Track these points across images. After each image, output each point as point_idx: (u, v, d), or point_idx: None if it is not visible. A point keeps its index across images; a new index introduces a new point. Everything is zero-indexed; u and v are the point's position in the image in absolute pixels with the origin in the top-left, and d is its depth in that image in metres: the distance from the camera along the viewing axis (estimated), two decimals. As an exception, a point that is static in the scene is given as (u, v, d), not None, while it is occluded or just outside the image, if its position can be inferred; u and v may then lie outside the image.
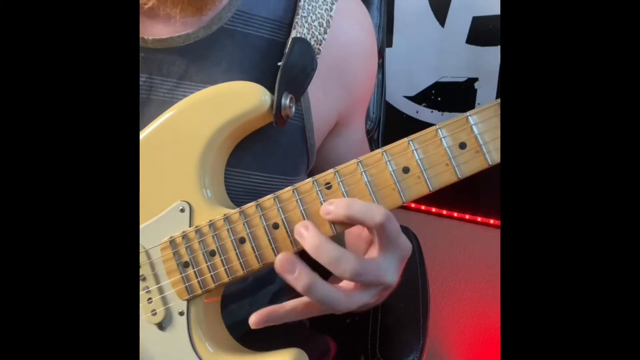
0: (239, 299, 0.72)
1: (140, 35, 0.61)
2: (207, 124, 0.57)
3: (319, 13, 0.63)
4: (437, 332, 1.53)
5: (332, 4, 0.64)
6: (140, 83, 0.62)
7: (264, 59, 0.63)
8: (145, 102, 0.62)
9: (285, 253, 0.49)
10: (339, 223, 0.51)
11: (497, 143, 0.48)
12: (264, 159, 0.64)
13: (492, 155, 0.48)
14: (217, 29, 0.62)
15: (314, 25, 0.62)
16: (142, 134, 0.59)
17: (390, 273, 0.51)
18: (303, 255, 0.54)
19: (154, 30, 0.61)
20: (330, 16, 0.64)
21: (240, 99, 0.57)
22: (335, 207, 0.49)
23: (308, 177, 0.53)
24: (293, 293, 0.80)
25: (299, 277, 0.48)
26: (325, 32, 0.63)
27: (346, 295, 0.50)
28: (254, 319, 0.52)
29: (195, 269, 0.56)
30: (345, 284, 0.51)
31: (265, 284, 0.76)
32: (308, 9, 0.63)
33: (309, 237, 0.49)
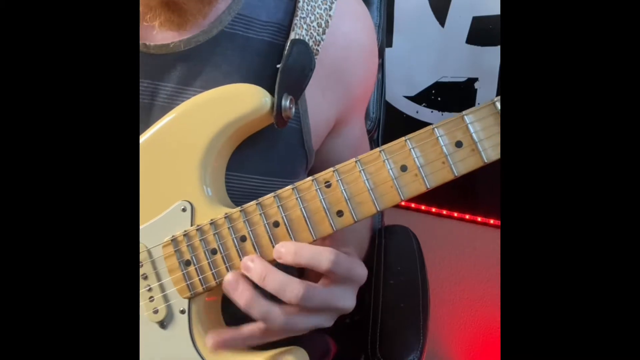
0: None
1: (142, 41, 0.62)
2: (209, 126, 0.58)
3: (317, 13, 0.63)
4: (437, 332, 1.53)
5: (332, 3, 0.65)
6: (143, 88, 0.62)
7: (264, 62, 0.63)
8: (147, 107, 0.62)
9: (233, 272, 0.53)
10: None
11: (493, 141, 0.49)
12: (262, 162, 0.65)
13: (488, 153, 0.49)
14: (217, 33, 0.62)
15: (313, 26, 0.63)
16: (145, 135, 0.60)
17: (345, 300, 0.53)
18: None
19: (156, 36, 0.62)
20: (330, 16, 0.64)
21: (242, 101, 0.58)
22: (285, 252, 0.52)
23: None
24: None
25: (241, 294, 0.52)
26: (323, 33, 0.64)
27: (288, 315, 0.52)
28: (211, 342, 0.55)
29: (197, 267, 0.57)
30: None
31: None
32: (307, 9, 0.63)
33: (254, 268, 0.52)
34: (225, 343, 0.55)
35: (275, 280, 0.51)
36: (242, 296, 0.52)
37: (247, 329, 0.54)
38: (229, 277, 0.53)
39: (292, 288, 0.50)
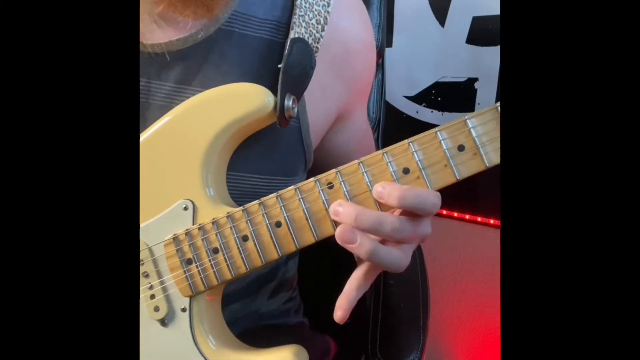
0: (238, 300, 0.73)
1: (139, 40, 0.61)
2: (211, 124, 0.58)
3: (316, 10, 0.63)
4: (437, 332, 1.53)
5: None
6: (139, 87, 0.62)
7: (263, 60, 0.63)
8: (144, 106, 0.62)
9: (344, 225, 0.51)
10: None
11: (495, 145, 0.49)
12: (262, 161, 0.65)
13: (490, 157, 0.49)
14: (214, 31, 0.62)
15: (312, 24, 0.63)
16: (147, 133, 0.60)
17: (425, 226, 0.53)
18: (304, 251, 0.55)
19: (153, 35, 0.61)
20: (328, 12, 0.64)
21: (245, 100, 0.58)
22: (387, 195, 0.51)
23: (308, 176, 0.54)
24: (291, 289, 0.80)
25: (361, 244, 0.50)
26: (322, 30, 0.63)
27: (402, 251, 0.52)
28: (341, 314, 0.53)
29: (199, 266, 0.57)
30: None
31: (264, 282, 0.76)
32: (305, 7, 0.63)
33: (345, 210, 0.51)
34: (348, 305, 0.53)
35: (370, 217, 0.50)
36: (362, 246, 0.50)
37: (353, 281, 0.54)
38: (342, 229, 0.51)
39: (388, 221, 0.50)
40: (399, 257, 0.52)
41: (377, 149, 1.06)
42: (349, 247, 0.50)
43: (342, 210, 0.51)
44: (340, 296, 0.54)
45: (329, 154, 0.75)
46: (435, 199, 0.51)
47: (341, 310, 0.53)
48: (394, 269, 0.53)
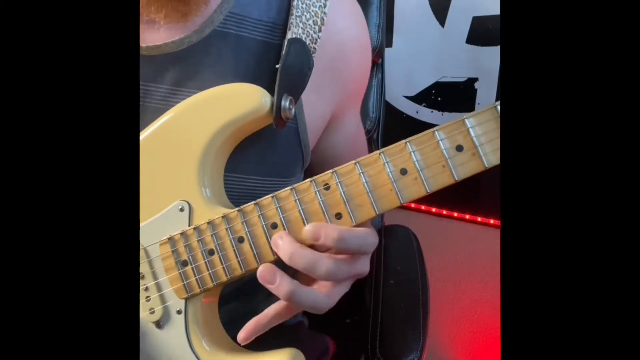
0: (237, 299, 0.72)
1: None
2: (207, 125, 0.57)
3: (313, 11, 0.63)
4: (437, 332, 1.53)
5: (326, 0, 0.64)
6: None
7: (258, 61, 0.62)
8: (140, 108, 0.61)
9: (266, 264, 0.52)
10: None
11: (494, 145, 0.49)
12: (259, 162, 0.64)
13: (489, 157, 0.49)
14: (210, 32, 0.61)
15: (309, 24, 0.62)
16: (143, 134, 0.59)
17: (363, 266, 0.54)
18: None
19: (148, 37, 0.61)
20: (325, 13, 0.63)
21: (241, 101, 0.57)
22: (324, 237, 0.50)
23: (304, 177, 0.54)
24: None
25: (280, 285, 0.51)
26: (319, 30, 0.63)
27: (326, 295, 0.53)
28: (243, 335, 0.54)
29: (194, 268, 0.56)
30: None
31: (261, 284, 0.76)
32: (302, 7, 0.63)
33: (283, 245, 0.52)
34: (254, 329, 0.54)
35: (305, 257, 0.51)
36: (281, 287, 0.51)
37: (272, 309, 0.54)
38: (262, 268, 0.51)
39: (322, 263, 0.50)
40: (321, 300, 0.52)
41: (377, 149, 1.05)
42: (269, 287, 0.51)
43: (281, 244, 0.52)
44: (252, 319, 0.54)
45: (317, 156, 0.75)
46: (374, 239, 0.52)
47: (245, 332, 0.54)
48: (314, 311, 0.53)
